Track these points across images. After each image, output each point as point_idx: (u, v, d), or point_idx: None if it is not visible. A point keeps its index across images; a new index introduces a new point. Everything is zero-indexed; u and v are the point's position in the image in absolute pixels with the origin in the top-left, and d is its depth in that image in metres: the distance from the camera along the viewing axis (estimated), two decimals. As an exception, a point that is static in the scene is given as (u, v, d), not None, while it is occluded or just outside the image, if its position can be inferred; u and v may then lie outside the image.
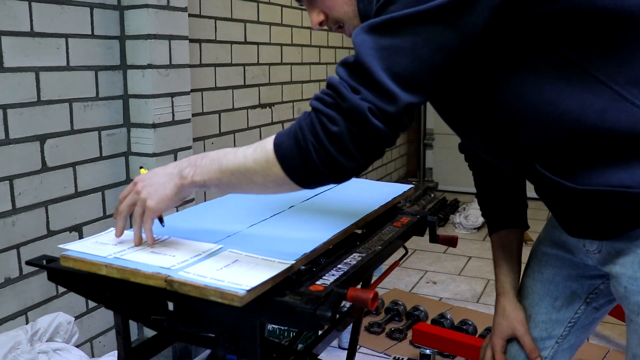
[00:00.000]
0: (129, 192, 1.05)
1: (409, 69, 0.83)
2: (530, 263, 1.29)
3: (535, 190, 1.06)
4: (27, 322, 1.82)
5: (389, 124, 0.84)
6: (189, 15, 2.38)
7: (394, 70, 0.82)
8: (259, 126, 3.06)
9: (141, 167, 1.18)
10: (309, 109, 0.89)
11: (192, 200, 2.34)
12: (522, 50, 0.90)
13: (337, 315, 0.88)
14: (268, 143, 0.90)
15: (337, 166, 0.85)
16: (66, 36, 1.92)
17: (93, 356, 2.09)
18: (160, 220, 1.10)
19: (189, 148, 2.31)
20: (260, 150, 0.91)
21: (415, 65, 0.83)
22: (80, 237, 2.01)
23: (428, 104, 1.18)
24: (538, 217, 1.37)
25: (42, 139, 1.86)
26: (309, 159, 0.85)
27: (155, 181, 1.02)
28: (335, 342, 2.53)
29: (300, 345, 2.00)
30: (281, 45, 3.23)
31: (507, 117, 0.96)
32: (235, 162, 0.93)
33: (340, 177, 0.88)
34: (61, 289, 1.94)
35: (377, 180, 1.71)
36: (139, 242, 1.05)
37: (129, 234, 1.12)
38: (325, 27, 1.08)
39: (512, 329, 1.24)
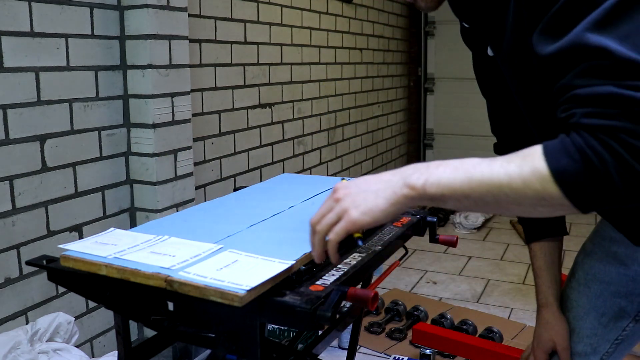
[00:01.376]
0: (328, 207, 0.88)
1: None
2: (576, 275, 1.24)
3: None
4: (27, 322, 1.82)
5: None
6: (189, 15, 2.38)
7: None
8: (259, 126, 3.06)
9: (343, 179, 0.97)
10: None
11: (192, 200, 2.35)
12: None
13: (337, 315, 0.88)
14: (539, 164, 0.75)
15: None
16: (66, 36, 1.92)
17: (93, 356, 2.09)
18: (359, 239, 0.91)
19: (189, 148, 2.31)
20: (532, 172, 0.75)
21: None
22: (80, 237, 2.01)
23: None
24: (578, 220, 1.34)
25: (42, 139, 1.86)
26: (611, 186, 0.71)
27: (365, 188, 0.86)
28: (335, 342, 2.53)
29: (300, 345, 2.00)
30: (281, 45, 3.23)
31: None
32: (494, 178, 0.77)
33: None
34: (61, 289, 1.94)
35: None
36: (322, 258, 0.90)
37: (129, 234, 1.12)
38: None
39: (554, 342, 1.21)
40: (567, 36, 0.75)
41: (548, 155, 0.74)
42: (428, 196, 0.81)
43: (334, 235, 0.86)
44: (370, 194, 0.85)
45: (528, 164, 0.76)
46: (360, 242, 0.92)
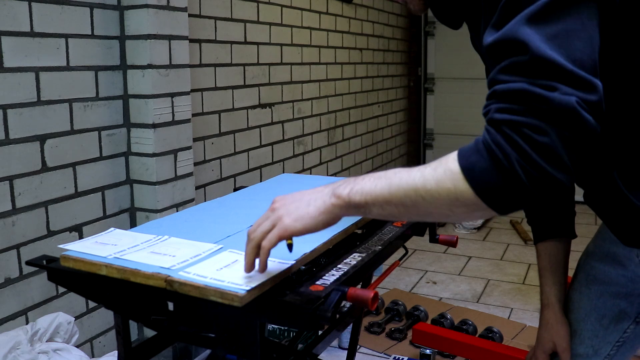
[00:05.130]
0: (265, 217, 0.91)
1: (586, 52, 0.73)
2: (578, 276, 1.24)
3: (589, 198, 1.04)
4: (27, 322, 1.82)
5: (596, 117, 0.73)
6: (189, 15, 2.38)
7: (574, 56, 0.72)
8: (259, 126, 3.06)
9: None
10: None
11: (192, 200, 2.35)
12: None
13: (337, 315, 0.88)
14: (452, 163, 0.76)
15: (550, 183, 0.72)
16: (66, 36, 1.92)
17: (93, 356, 2.09)
18: (290, 246, 0.94)
19: (189, 148, 2.31)
20: (444, 172, 0.76)
21: (589, 46, 0.74)
22: (80, 237, 2.01)
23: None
24: (580, 221, 1.34)
25: (42, 139, 1.86)
26: (516, 181, 0.71)
27: (299, 198, 0.90)
28: (335, 342, 2.53)
29: (300, 345, 2.00)
30: (281, 45, 3.23)
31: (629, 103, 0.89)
32: (410, 181, 0.79)
33: (549, 194, 0.74)
34: (61, 289, 1.94)
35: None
36: (250, 269, 0.92)
37: (129, 234, 1.12)
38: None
39: (554, 343, 1.21)
40: (503, 28, 0.76)
41: (460, 155, 0.76)
42: (353, 204, 0.84)
43: (266, 242, 0.89)
44: (303, 203, 0.88)
45: (442, 165, 0.77)
46: (290, 250, 0.94)
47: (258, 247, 0.90)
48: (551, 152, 0.71)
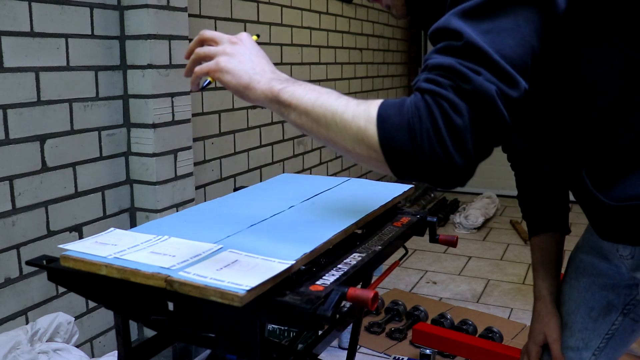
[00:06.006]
0: (220, 39, 0.95)
1: (517, 51, 0.75)
2: (568, 269, 1.26)
3: (573, 195, 1.06)
4: (27, 322, 1.82)
5: (511, 113, 0.75)
6: (189, 15, 2.38)
7: (504, 52, 0.74)
8: (259, 126, 3.06)
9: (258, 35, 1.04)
10: None
11: (192, 200, 2.35)
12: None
13: (337, 315, 0.88)
14: (373, 107, 0.78)
15: (447, 163, 0.73)
16: (66, 36, 1.92)
17: (93, 356, 2.09)
18: (209, 82, 0.95)
19: (189, 148, 2.31)
20: (363, 111, 0.78)
21: (521, 47, 0.76)
22: (80, 237, 2.01)
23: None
24: (578, 221, 1.35)
25: (42, 139, 1.86)
26: (418, 147, 0.73)
27: (249, 57, 0.92)
28: (335, 342, 2.53)
29: (300, 345, 2.00)
30: (281, 45, 3.23)
31: (584, 97, 0.92)
32: (334, 104, 0.81)
33: (442, 175, 0.75)
34: (61, 289, 1.94)
35: (377, 180, 1.72)
36: (187, 74, 0.97)
37: (129, 234, 1.12)
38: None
39: (544, 335, 1.22)
40: (441, 18, 0.80)
41: (383, 104, 0.78)
42: (279, 100, 0.86)
43: (199, 69, 0.92)
44: (247, 64, 0.90)
45: (365, 105, 0.80)
46: (205, 83, 0.95)
47: (196, 62, 0.95)
48: (459, 134, 0.73)
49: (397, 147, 0.75)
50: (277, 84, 0.87)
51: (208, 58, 0.93)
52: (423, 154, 0.73)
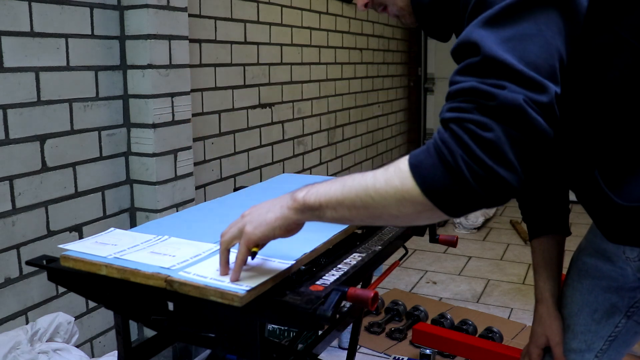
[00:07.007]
0: (234, 223, 0.94)
1: (541, 56, 0.74)
2: (570, 271, 1.25)
3: (577, 196, 1.05)
4: (27, 322, 1.82)
5: (546, 118, 0.73)
6: (189, 15, 2.38)
7: (528, 59, 0.73)
8: (259, 126, 3.06)
9: None
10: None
11: (192, 200, 2.35)
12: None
13: (337, 315, 0.88)
14: (402, 163, 0.76)
15: (494, 180, 0.71)
16: (66, 36, 1.92)
17: (93, 356, 2.09)
18: (253, 254, 0.93)
19: (189, 148, 2.31)
20: (394, 171, 0.76)
21: (545, 50, 0.75)
22: (80, 237, 2.01)
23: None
24: (578, 221, 1.35)
25: (42, 139, 1.86)
26: (460, 177, 0.70)
27: (263, 206, 0.92)
28: (335, 342, 2.53)
29: (300, 345, 2.00)
30: (281, 45, 3.23)
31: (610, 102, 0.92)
32: (362, 182, 0.79)
33: (496, 195, 0.72)
34: (61, 289, 1.94)
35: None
36: (225, 272, 0.93)
37: (129, 234, 1.12)
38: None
39: (546, 337, 1.22)
40: (462, 33, 0.78)
41: (411, 155, 0.76)
42: (308, 206, 0.85)
43: (239, 254, 0.90)
44: (264, 211, 0.90)
45: (393, 166, 0.78)
46: (251, 258, 0.93)
47: (227, 251, 0.93)
48: (495, 148, 0.70)
49: (440, 187, 0.72)
50: (298, 195, 0.86)
51: (235, 239, 0.92)
52: (466, 181, 0.70)
